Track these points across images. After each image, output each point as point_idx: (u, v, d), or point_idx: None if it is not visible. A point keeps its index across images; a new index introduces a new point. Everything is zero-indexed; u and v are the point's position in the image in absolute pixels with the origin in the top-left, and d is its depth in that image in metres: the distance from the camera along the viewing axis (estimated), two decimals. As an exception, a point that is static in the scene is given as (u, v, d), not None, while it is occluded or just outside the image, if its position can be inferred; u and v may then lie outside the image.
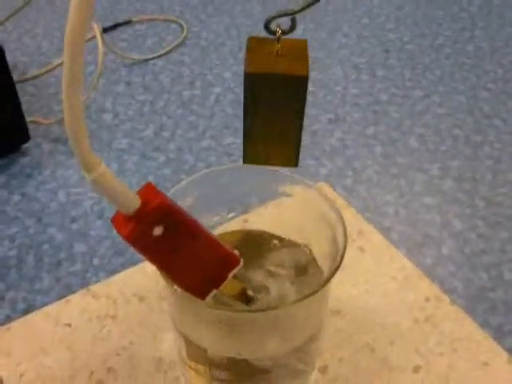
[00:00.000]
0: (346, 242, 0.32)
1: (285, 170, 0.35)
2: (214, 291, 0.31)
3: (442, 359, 0.43)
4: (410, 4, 0.98)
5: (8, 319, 0.50)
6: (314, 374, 0.41)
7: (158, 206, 0.26)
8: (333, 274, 0.30)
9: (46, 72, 0.79)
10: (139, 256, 0.57)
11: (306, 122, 0.74)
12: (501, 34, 0.91)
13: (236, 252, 0.31)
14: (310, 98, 0.77)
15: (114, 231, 0.63)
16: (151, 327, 0.45)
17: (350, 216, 0.54)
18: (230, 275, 0.31)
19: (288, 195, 0.36)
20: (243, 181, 0.36)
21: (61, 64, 0.76)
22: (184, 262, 0.29)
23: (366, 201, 0.62)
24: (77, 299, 0.47)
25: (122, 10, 0.95)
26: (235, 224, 0.38)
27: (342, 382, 0.42)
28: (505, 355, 0.43)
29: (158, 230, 0.27)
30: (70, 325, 0.45)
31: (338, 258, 0.31)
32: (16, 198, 0.63)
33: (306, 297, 0.30)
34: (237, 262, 0.31)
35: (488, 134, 0.72)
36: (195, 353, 0.35)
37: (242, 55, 0.85)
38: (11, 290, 0.54)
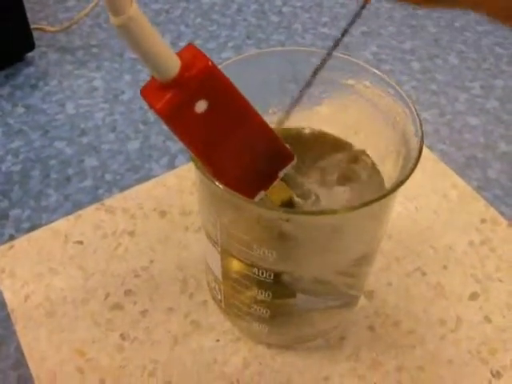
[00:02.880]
0: (421, 141, 0.26)
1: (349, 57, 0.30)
2: (263, 193, 0.25)
3: (501, 286, 0.38)
4: None
5: (12, 239, 0.45)
6: (360, 300, 0.36)
7: (204, 71, 0.21)
8: (407, 177, 0.25)
9: (51, -22, 0.72)
10: (156, 172, 0.52)
11: (337, 33, 0.66)
12: None
13: (289, 147, 0.26)
14: (341, 10, 0.71)
15: (128, 145, 0.57)
16: (174, 245, 0.39)
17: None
18: (282, 173, 0.26)
19: (350, 88, 0.30)
20: (296, 67, 0.30)
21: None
22: (230, 151, 0.23)
23: (404, 118, 0.56)
24: (88, 214, 0.41)
25: None
26: (283, 120, 0.32)
27: (390, 309, 0.37)
28: None
29: (201, 105, 0.21)
30: (81, 242, 0.40)
31: (413, 161, 0.25)
32: (20, 110, 0.58)
33: (369, 203, 0.24)
34: (290, 158, 0.26)
35: (533, 53, 0.66)
36: (233, 270, 0.30)
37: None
38: (15, 208, 0.49)
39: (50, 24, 0.67)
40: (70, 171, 0.52)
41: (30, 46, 0.63)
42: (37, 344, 0.35)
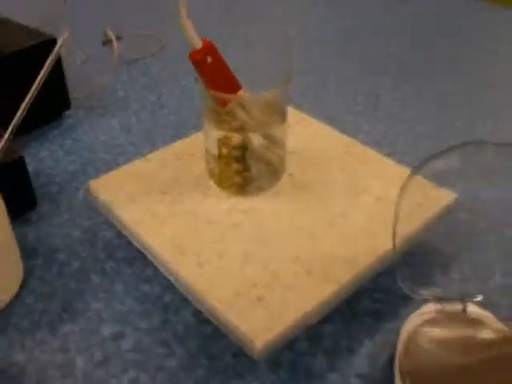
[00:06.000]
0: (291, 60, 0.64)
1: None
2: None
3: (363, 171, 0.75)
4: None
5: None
6: (285, 177, 0.72)
7: (211, 45, 0.58)
8: (290, 77, 0.62)
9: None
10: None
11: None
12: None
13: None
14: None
15: (144, 150, 0.94)
16: (187, 166, 0.75)
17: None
18: (238, 93, 0.63)
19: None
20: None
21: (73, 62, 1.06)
22: (219, 78, 0.60)
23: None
24: (136, 165, 0.77)
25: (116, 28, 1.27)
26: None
27: (304, 181, 0.73)
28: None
29: (209, 58, 0.58)
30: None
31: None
32: (69, 141, 0.93)
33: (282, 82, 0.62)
34: (240, 87, 0.63)
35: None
36: (223, 152, 0.66)
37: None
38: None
39: (73, 91, 1.04)
40: (111, 166, 0.87)
41: (68, 106, 0.99)
42: (138, 220, 0.70)
